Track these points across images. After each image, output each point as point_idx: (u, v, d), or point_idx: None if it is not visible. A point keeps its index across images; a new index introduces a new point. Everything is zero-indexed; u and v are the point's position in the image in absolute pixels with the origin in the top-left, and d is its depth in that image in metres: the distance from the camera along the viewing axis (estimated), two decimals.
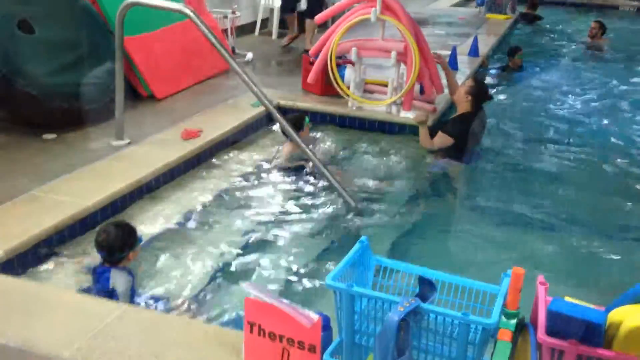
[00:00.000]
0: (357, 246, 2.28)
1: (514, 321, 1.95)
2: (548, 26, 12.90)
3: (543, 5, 14.03)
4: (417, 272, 2.22)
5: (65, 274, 3.24)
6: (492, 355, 1.89)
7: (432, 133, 5.07)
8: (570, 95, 7.58)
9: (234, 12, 8.01)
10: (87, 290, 3.01)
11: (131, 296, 3.00)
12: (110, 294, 2.90)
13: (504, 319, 1.96)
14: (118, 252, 2.99)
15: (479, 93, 5.04)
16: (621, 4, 16.23)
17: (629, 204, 4.60)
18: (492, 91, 5.71)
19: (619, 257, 3.79)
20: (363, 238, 2.33)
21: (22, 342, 2.41)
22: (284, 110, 4.53)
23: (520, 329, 2.02)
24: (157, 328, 2.52)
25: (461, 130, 4.97)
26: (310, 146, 4.79)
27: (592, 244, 3.92)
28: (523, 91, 7.61)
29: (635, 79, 8.55)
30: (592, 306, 1.83)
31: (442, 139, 4.97)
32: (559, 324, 1.73)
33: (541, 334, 1.75)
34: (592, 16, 13.24)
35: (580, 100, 7.41)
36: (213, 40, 4.27)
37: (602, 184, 5.00)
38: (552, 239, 3.99)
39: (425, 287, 2.03)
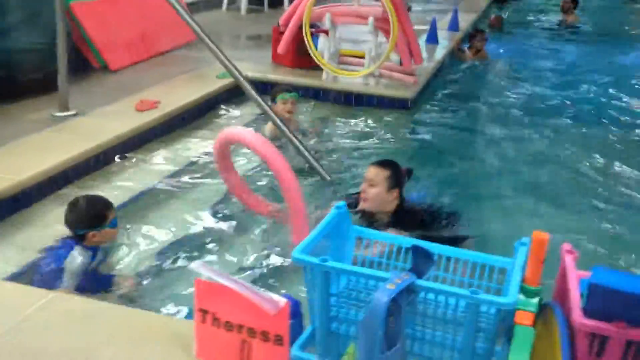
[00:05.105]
0: (332, 212, 1.83)
1: (535, 301, 1.53)
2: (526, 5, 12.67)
3: None
4: (408, 244, 1.79)
5: None
6: (510, 344, 1.46)
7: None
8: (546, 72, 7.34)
9: None
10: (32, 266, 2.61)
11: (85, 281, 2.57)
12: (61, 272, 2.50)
13: (522, 297, 1.53)
14: (76, 228, 2.63)
15: None
16: None
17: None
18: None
19: None
20: (340, 203, 1.88)
21: None
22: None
23: (540, 310, 1.59)
24: (89, 319, 2.06)
25: None
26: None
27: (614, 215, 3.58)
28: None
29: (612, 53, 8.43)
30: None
31: None
32: (601, 302, 1.31)
33: (578, 317, 1.33)
34: None
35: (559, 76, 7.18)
36: (177, 6, 3.81)
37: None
38: (566, 209, 3.66)
39: (421, 260, 1.60)
